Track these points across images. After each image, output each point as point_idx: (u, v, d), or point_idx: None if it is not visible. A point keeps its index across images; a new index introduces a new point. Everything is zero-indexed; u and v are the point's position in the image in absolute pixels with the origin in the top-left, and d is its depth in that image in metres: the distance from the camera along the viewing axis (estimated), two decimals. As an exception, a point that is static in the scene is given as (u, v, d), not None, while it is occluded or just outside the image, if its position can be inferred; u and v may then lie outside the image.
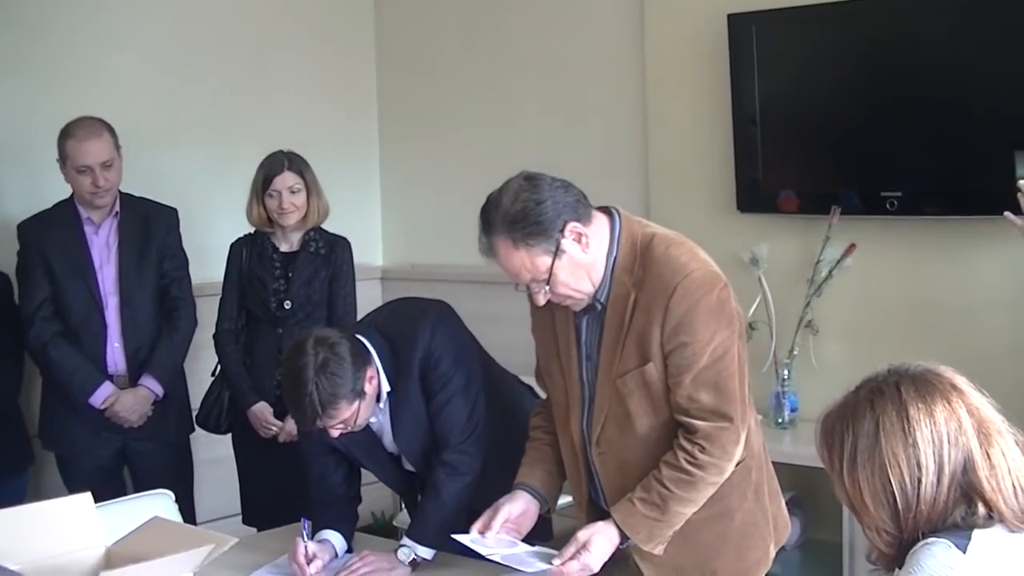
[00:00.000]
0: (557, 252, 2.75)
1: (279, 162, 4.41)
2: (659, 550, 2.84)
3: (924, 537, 2.08)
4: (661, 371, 2.79)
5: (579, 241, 2.77)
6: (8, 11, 4.91)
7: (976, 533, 2.08)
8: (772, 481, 3.04)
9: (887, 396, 2.11)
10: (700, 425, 2.77)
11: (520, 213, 2.74)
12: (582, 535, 2.83)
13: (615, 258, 2.83)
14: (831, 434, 2.18)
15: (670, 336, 2.76)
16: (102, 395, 4.35)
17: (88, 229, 4.42)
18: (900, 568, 2.12)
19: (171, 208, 4.59)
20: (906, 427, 2.08)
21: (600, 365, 2.87)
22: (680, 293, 2.74)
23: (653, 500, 2.79)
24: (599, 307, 2.86)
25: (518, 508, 3.00)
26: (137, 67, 5.24)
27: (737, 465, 2.86)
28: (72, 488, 4.26)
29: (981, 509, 2.09)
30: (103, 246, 4.43)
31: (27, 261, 4.40)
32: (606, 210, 2.87)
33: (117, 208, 4.45)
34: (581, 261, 2.78)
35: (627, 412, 2.85)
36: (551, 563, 2.84)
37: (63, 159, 4.35)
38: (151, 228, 4.48)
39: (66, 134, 4.34)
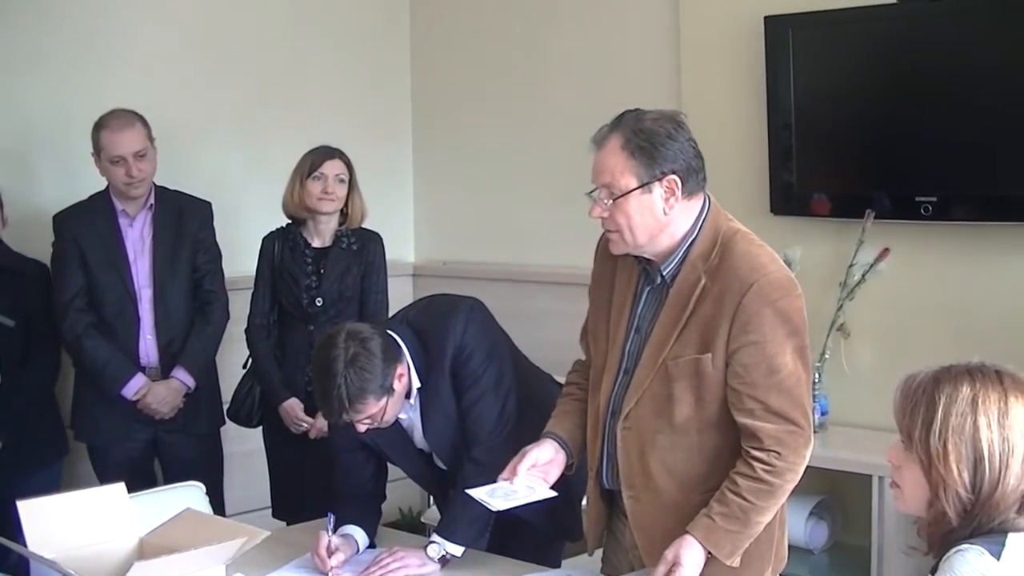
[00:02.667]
0: (644, 187, 2.75)
1: (329, 151, 4.48)
2: (736, 561, 2.80)
3: (980, 527, 2.09)
4: (719, 366, 2.76)
5: (666, 198, 2.77)
6: (45, 4, 4.94)
7: (1010, 537, 2.08)
8: (783, 510, 2.98)
9: (988, 377, 2.13)
10: (768, 429, 2.74)
11: (650, 131, 2.75)
12: (669, 554, 2.78)
13: (692, 240, 2.82)
14: (917, 393, 2.17)
15: (738, 333, 2.73)
16: (135, 387, 4.37)
17: (123, 221, 4.45)
18: (935, 559, 2.12)
19: (205, 202, 4.61)
20: (1003, 408, 2.10)
21: (650, 341, 2.84)
22: (756, 290, 2.72)
23: (734, 514, 2.75)
24: (660, 280, 2.85)
25: (546, 455, 2.98)
26: (172, 61, 5.27)
27: None
28: (104, 479, 4.29)
29: None
30: (137, 238, 4.45)
31: (62, 252, 4.42)
32: (703, 195, 2.87)
33: (152, 201, 4.47)
34: (655, 214, 2.77)
35: (670, 395, 2.82)
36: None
37: (97, 151, 4.38)
38: (185, 221, 4.51)
39: (100, 126, 4.37)
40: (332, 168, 4.43)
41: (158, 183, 4.51)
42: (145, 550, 2.70)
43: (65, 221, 4.44)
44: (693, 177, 2.79)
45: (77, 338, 4.37)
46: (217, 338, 4.58)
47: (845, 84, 4.51)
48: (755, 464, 2.75)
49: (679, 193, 2.77)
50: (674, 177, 2.76)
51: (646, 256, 2.86)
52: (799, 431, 2.76)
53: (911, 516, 2.26)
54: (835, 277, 4.50)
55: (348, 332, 3.14)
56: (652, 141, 2.75)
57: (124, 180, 4.36)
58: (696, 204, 2.83)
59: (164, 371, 4.45)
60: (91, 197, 4.49)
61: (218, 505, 4.27)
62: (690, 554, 2.76)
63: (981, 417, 2.09)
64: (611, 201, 2.78)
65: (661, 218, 2.78)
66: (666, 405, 2.83)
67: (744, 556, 2.84)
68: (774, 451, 2.74)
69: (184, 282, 4.50)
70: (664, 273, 2.84)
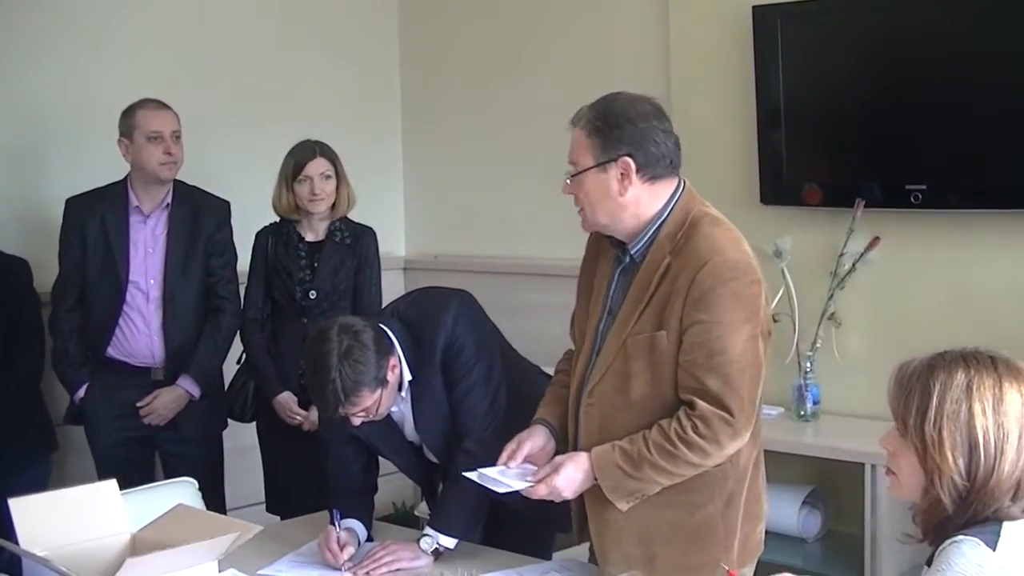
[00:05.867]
0: (600, 166, 2.80)
1: (310, 149, 4.42)
2: (622, 505, 2.83)
3: (976, 515, 2.08)
4: (673, 343, 2.77)
5: (620, 179, 2.79)
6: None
7: (1005, 526, 2.08)
8: (754, 503, 2.97)
9: (982, 363, 2.12)
10: (701, 406, 2.73)
11: (609, 113, 2.81)
12: (558, 459, 2.86)
13: (662, 221, 2.84)
14: (912, 380, 2.16)
15: (690, 310, 2.74)
16: (80, 395, 4.40)
17: (134, 218, 4.40)
18: (931, 547, 2.11)
19: (223, 201, 4.55)
20: (998, 394, 2.09)
21: (616, 320, 2.87)
22: (709, 269, 2.73)
23: (631, 454, 2.78)
24: (628, 260, 2.88)
25: (539, 443, 3.00)
26: (162, 56, 5.26)
27: (716, 466, 2.83)
28: (98, 461, 4.33)
29: (1020, 506, 2.09)
30: (150, 236, 4.40)
31: (65, 241, 4.40)
32: (677, 180, 2.89)
33: (169, 200, 4.43)
34: (611, 194, 2.81)
35: (628, 372, 2.83)
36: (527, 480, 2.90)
37: (130, 132, 4.34)
38: (201, 221, 4.45)
39: (134, 108, 4.36)
40: (316, 168, 4.39)
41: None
42: (137, 546, 2.70)
43: (74, 209, 4.40)
44: (655, 162, 2.80)
45: (59, 336, 4.41)
46: (227, 347, 4.54)
47: (834, 73, 4.50)
48: (673, 424, 2.76)
49: (633, 176, 2.79)
50: (627, 159, 2.78)
51: (618, 237, 2.89)
52: (729, 421, 2.74)
53: (904, 504, 2.26)
54: (826, 266, 4.50)
55: (340, 326, 3.14)
56: (608, 122, 2.79)
57: (160, 159, 4.32)
58: (666, 188, 2.85)
59: (169, 374, 4.42)
60: (108, 185, 4.44)
61: (218, 504, 4.26)
62: (570, 466, 2.82)
63: (976, 404, 2.08)
64: (571, 179, 2.85)
65: (617, 199, 2.81)
66: (625, 383, 2.84)
67: (694, 537, 2.87)
68: (695, 422, 2.74)
69: (195, 284, 4.44)
70: (632, 253, 2.87)
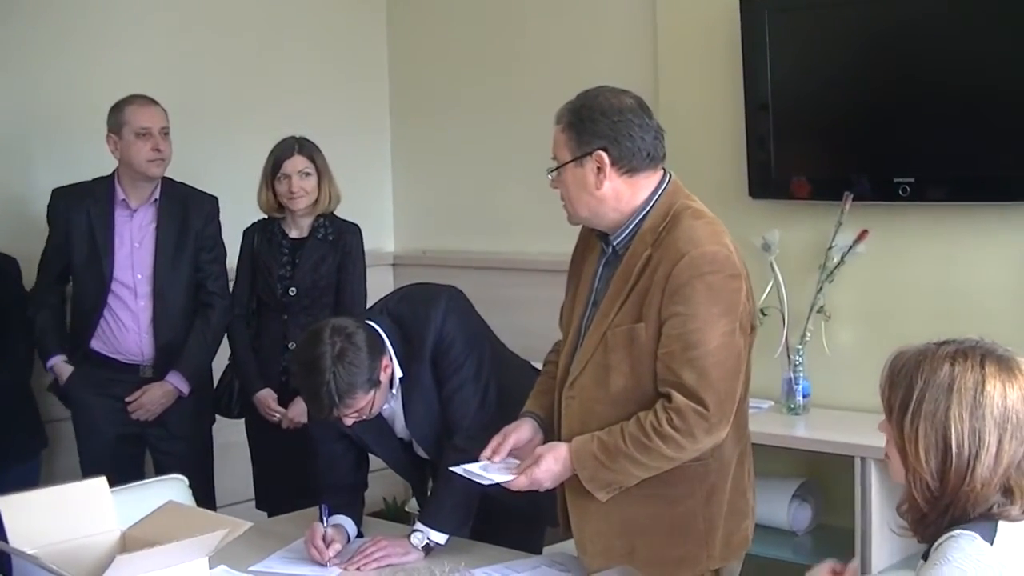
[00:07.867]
0: (576, 160, 2.82)
1: (290, 146, 4.41)
2: (601, 496, 2.84)
3: (956, 516, 2.07)
4: (652, 336, 2.78)
5: (595, 172, 2.81)
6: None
7: (1002, 523, 2.07)
8: (739, 499, 2.97)
9: (970, 361, 2.09)
10: (677, 399, 2.74)
11: (584, 107, 2.83)
12: (538, 450, 2.88)
13: (645, 214, 2.84)
14: (900, 373, 2.14)
15: (668, 303, 2.75)
16: (52, 363, 4.38)
17: (120, 212, 4.38)
18: (925, 542, 2.10)
19: (211, 196, 4.53)
20: (978, 398, 2.07)
21: (598, 312, 2.88)
22: (687, 262, 2.73)
23: (608, 445, 2.79)
24: (611, 252, 2.89)
25: (525, 436, 3.02)
26: (147, 53, 5.23)
27: (697, 461, 2.84)
28: (87, 455, 4.30)
29: (1018, 507, 2.08)
30: (137, 231, 4.39)
31: (51, 228, 4.41)
32: (663, 172, 2.90)
33: (157, 196, 4.41)
34: (587, 188, 2.83)
35: (607, 365, 2.84)
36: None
37: (118, 128, 4.32)
38: (189, 217, 4.43)
39: (123, 103, 4.35)
40: (294, 166, 4.38)
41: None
42: (127, 544, 2.69)
43: (60, 199, 4.40)
44: (631, 155, 2.81)
45: (32, 305, 4.41)
46: (216, 343, 4.53)
47: (822, 66, 4.50)
48: (649, 416, 2.76)
49: (608, 169, 2.80)
50: (601, 153, 2.79)
51: (602, 230, 2.91)
52: (704, 415, 2.74)
53: (894, 498, 2.25)
54: (815, 260, 4.50)
55: (333, 327, 3.13)
56: (581, 116, 2.82)
57: (148, 155, 4.31)
58: (647, 182, 2.86)
59: (158, 371, 4.40)
60: (95, 180, 4.43)
61: (208, 501, 4.25)
62: (549, 457, 2.84)
63: (954, 406, 2.06)
64: (551, 174, 2.87)
65: (594, 192, 2.83)
66: (604, 375, 2.85)
67: (673, 530, 2.88)
68: (670, 415, 2.75)
69: (185, 280, 4.43)
70: (615, 244, 2.88)
